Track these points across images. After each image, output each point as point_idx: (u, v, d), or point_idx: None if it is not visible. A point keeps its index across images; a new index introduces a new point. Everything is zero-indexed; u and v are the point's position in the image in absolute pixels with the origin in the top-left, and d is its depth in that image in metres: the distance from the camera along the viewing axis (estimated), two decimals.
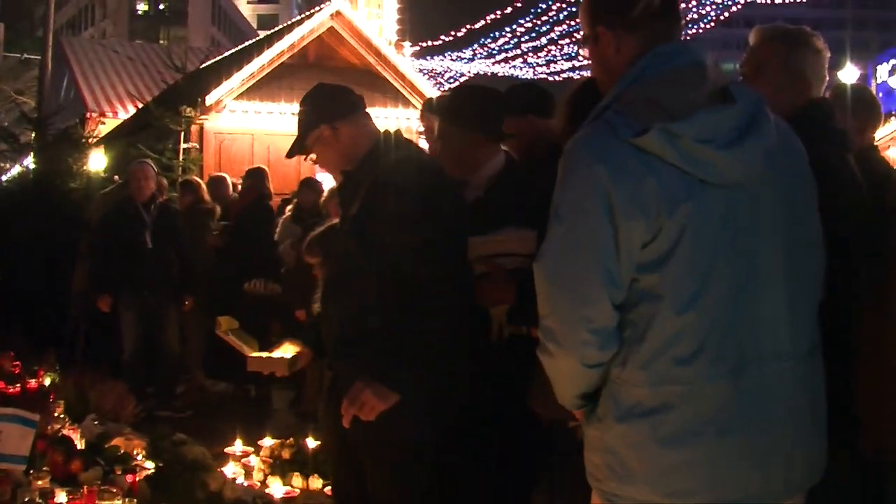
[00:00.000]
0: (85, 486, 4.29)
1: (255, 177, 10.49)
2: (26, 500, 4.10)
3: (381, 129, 4.09)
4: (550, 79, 46.13)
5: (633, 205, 2.48)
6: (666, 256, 2.51)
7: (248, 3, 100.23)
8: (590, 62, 2.95)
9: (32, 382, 5.79)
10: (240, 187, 11.29)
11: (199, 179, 11.30)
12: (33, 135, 15.42)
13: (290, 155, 4.17)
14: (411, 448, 3.76)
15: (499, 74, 46.44)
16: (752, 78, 3.58)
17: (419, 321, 3.63)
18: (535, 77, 45.16)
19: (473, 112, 4.25)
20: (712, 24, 49.16)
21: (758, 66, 3.59)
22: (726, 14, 48.19)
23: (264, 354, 4.60)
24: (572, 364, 2.62)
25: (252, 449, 6.64)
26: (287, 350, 4.55)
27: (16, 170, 19.75)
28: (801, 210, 2.75)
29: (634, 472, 2.59)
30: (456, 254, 3.79)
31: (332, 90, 4.14)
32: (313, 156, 4.12)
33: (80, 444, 4.87)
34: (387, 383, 3.61)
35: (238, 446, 6.67)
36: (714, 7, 48.23)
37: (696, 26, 48.08)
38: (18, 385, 5.64)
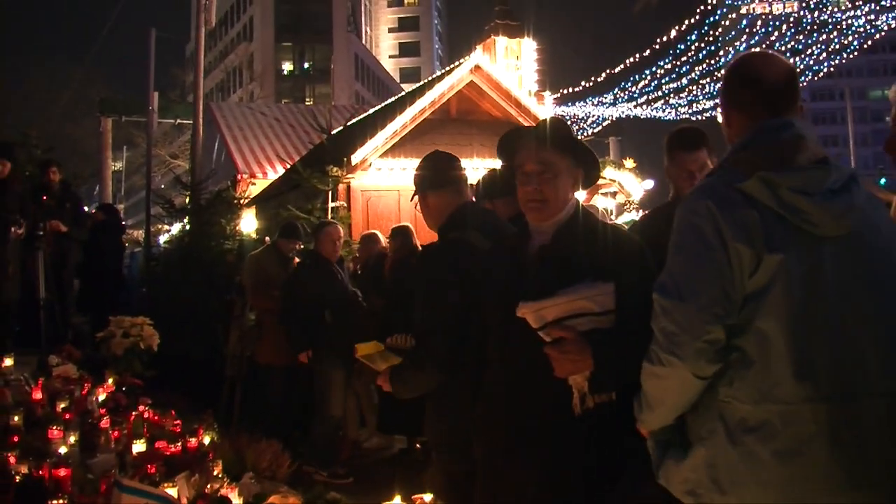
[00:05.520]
0: None
1: (403, 234, 10.69)
2: None
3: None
4: (694, 118, 45.73)
5: (738, 228, 2.85)
6: (766, 289, 2.84)
7: (391, 57, 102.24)
8: None
9: (193, 442, 5.93)
10: (388, 245, 11.52)
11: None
12: (188, 198, 15.99)
13: None
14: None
15: (641, 117, 46.22)
16: None
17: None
18: (678, 117, 44.83)
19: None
20: (856, 52, 48.13)
21: None
22: (870, 42, 47.10)
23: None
24: (685, 375, 2.91)
25: None
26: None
27: (176, 228, 20.38)
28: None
29: (736, 484, 2.87)
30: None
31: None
32: None
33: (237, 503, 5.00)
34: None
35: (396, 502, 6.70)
36: (857, 36, 47.25)
37: (838, 57, 47.13)
38: (179, 444, 5.79)
